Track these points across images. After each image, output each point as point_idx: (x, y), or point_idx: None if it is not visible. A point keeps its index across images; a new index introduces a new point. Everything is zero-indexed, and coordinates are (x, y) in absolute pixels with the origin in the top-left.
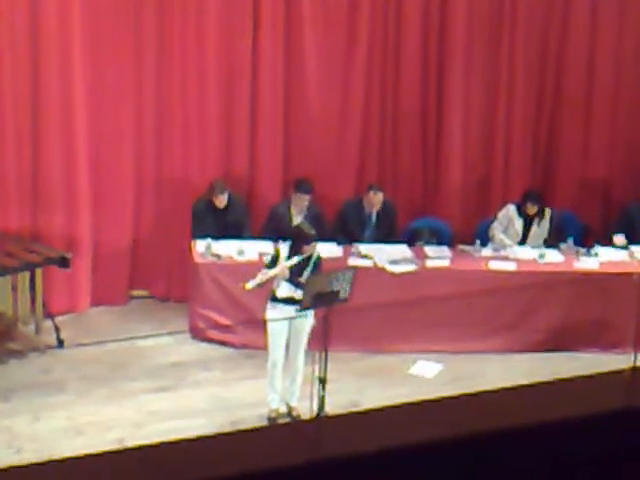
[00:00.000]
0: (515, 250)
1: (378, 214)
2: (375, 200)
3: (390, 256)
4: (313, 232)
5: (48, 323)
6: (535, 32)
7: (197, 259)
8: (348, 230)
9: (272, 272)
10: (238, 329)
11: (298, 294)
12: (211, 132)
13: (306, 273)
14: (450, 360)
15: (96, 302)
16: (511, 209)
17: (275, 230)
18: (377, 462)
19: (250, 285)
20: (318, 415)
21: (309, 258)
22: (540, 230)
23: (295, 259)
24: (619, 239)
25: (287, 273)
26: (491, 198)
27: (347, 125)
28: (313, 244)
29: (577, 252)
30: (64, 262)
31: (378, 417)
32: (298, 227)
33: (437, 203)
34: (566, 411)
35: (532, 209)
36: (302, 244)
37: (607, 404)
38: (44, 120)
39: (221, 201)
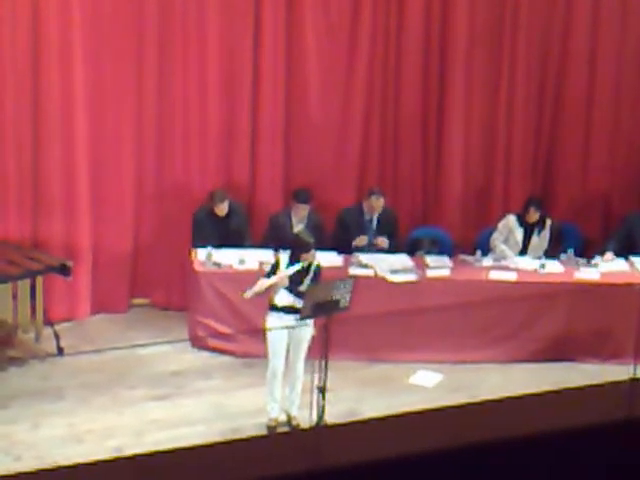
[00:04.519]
0: (516, 260)
1: (379, 219)
2: (377, 205)
3: (391, 265)
4: (312, 240)
5: (48, 331)
6: (536, 41)
7: (198, 268)
8: (348, 236)
9: (271, 280)
10: (238, 338)
11: (298, 303)
12: (212, 140)
13: (306, 282)
14: (450, 370)
15: (96, 310)
16: (511, 219)
17: (276, 239)
18: (376, 472)
19: (248, 294)
20: (317, 424)
21: (309, 267)
22: (540, 240)
23: (294, 267)
24: (608, 256)
25: (286, 281)
26: (492, 208)
27: (348, 134)
28: (312, 252)
29: (577, 263)
30: (65, 270)
31: (378, 426)
32: (297, 235)
33: (438, 212)
34: (566, 421)
35: (534, 215)
36: (301, 252)
37: (608, 415)
38: (45, 128)
39: (222, 210)
